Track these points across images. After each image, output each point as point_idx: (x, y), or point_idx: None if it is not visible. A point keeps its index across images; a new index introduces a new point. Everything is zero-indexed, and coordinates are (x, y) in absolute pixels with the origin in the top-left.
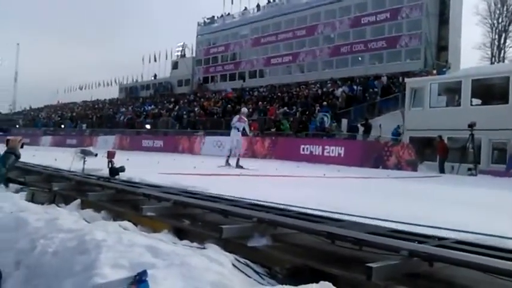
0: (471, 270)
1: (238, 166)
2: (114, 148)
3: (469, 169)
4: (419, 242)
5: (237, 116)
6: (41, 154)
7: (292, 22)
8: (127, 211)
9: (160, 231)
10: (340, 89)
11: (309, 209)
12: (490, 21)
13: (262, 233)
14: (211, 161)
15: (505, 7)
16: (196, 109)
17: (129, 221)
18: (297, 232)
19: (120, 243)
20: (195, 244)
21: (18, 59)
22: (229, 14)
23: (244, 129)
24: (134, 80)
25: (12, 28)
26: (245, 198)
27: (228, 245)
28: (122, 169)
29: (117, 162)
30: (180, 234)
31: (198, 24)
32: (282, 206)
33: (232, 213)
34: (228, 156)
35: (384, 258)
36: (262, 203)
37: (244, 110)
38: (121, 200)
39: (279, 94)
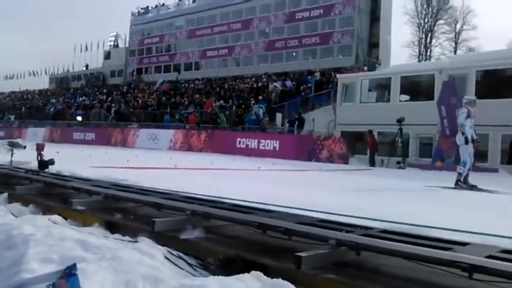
0: (396, 258)
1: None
2: (44, 140)
3: (398, 162)
4: (347, 232)
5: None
6: None
7: (228, 15)
8: (56, 205)
9: (91, 225)
10: (274, 84)
11: (241, 200)
12: (417, 20)
13: (195, 226)
14: (145, 154)
15: (430, 8)
16: (130, 101)
17: (59, 215)
18: (230, 224)
19: (49, 237)
20: (126, 238)
21: None
22: (164, 4)
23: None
24: (65, 70)
25: None
26: (179, 192)
27: (160, 238)
28: (52, 162)
29: (47, 155)
30: (112, 228)
31: (132, 14)
32: (214, 198)
33: (165, 206)
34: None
35: (313, 247)
36: (195, 195)
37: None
38: (50, 194)
39: (215, 87)
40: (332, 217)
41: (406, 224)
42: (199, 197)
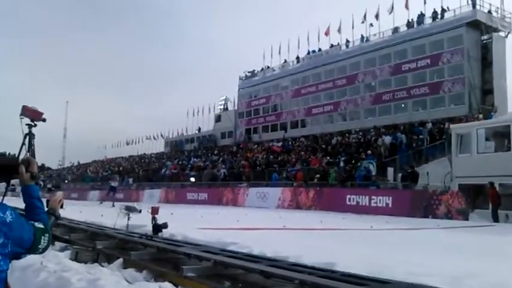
0: None
1: None
2: (160, 201)
3: None
4: None
5: None
6: (87, 209)
7: (332, 72)
8: (168, 271)
9: None
10: (384, 138)
11: (352, 272)
12: None
13: None
14: (255, 213)
15: None
16: (239, 160)
17: (169, 281)
18: None
19: None
20: None
21: (67, 115)
22: (269, 67)
23: None
24: (179, 134)
25: (61, 86)
26: (288, 257)
27: None
28: (165, 225)
29: (161, 217)
30: None
31: (240, 78)
32: (323, 266)
33: (273, 275)
34: None
35: None
36: (303, 263)
37: None
38: (162, 259)
39: (321, 144)
40: None
41: None
42: (307, 264)
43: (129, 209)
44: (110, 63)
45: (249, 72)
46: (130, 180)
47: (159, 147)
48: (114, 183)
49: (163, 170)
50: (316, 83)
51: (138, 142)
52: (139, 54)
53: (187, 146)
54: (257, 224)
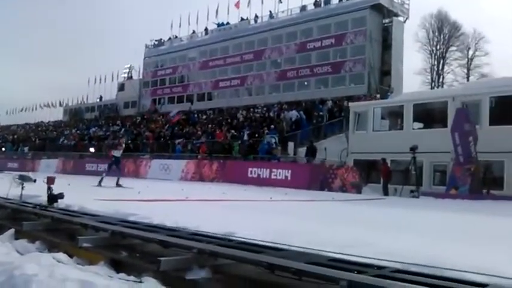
0: None
1: None
2: (57, 172)
3: (412, 191)
4: (359, 272)
5: None
6: None
7: (240, 46)
8: (63, 242)
9: (97, 264)
10: (287, 113)
11: (248, 239)
12: (429, 47)
13: (202, 265)
14: (157, 185)
15: (442, 35)
16: (142, 132)
17: (64, 252)
18: (238, 263)
19: (52, 277)
20: (131, 278)
21: None
22: (177, 36)
23: None
24: (79, 102)
25: None
26: (187, 227)
27: (166, 278)
28: (61, 196)
29: (58, 187)
30: (117, 266)
31: (146, 47)
32: (222, 235)
33: (172, 244)
34: None
35: None
36: (203, 232)
37: None
38: (57, 230)
39: (227, 117)
40: (344, 255)
41: (419, 265)
42: (208, 233)
43: (23, 178)
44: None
45: (156, 40)
46: (26, 149)
47: (57, 115)
48: None
49: (61, 139)
50: (224, 57)
51: (35, 109)
52: (39, 15)
53: (88, 114)
54: (159, 196)
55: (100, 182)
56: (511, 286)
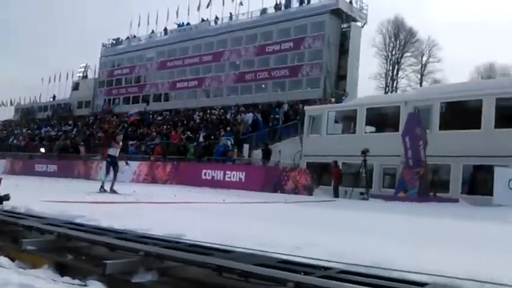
0: None
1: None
2: (5, 173)
3: (362, 193)
4: (306, 273)
5: None
6: None
7: (199, 47)
8: (6, 245)
9: (41, 267)
10: (244, 115)
11: (196, 241)
12: (385, 53)
13: (149, 268)
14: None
15: (398, 41)
16: (96, 132)
17: (6, 255)
18: (185, 265)
19: None
20: (76, 281)
21: None
22: (135, 36)
23: None
24: (32, 101)
25: None
26: (136, 230)
27: (112, 281)
28: (7, 197)
29: (4, 188)
30: (62, 270)
31: (103, 45)
32: (170, 238)
33: (119, 247)
34: None
35: None
36: (151, 234)
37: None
38: (1, 233)
39: (183, 118)
40: (293, 257)
41: (366, 266)
42: (156, 236)
43: None
44: None
45: (113, 39)
46: None
47: (8, 114)
48: None
49: (10, 139)
50: (182, 57)
51: None
52: None
53: (40, 114)
54: (108, 198)
55: (102, 187)
56: (449, 284)
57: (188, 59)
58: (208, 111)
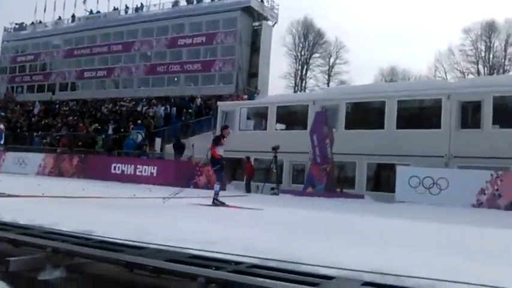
0: None
1: None
2: None
3: (272, 188)
4: (216, 268)
5: None
6: None
7: (109, 36)
8: None
9: None
10: (156, 108)
11: (109, 238)
12: (294, 53)
13: (56, 264)
14: (10, 180)
15: (307, 42)
16: None
17: None
18: (95, 262)
19: None
20: None
21: None
22: (41, 22)
23: None
24: None
25: None
26: (42, 225)
27: (16, 279)
28: None
29: None
30: None
31: (5, 30)
32: (80, 234)
33: (24, 243)
34: None
35: (182, 285)
36: (59, 230)
37: None
38: None
39: (91, 109)
40: (205, 252)
41: (277, 260)
42: (64, 232)
43: None
44: None
45: (16, 24)
46: None
47: None
48: None
49: None
50: (90, 46)
51: None
52: None
53: None
54: (12, 191)
55: (217, 199)
56: (354, 277)
57: (97, 48)
58: (118, 102)
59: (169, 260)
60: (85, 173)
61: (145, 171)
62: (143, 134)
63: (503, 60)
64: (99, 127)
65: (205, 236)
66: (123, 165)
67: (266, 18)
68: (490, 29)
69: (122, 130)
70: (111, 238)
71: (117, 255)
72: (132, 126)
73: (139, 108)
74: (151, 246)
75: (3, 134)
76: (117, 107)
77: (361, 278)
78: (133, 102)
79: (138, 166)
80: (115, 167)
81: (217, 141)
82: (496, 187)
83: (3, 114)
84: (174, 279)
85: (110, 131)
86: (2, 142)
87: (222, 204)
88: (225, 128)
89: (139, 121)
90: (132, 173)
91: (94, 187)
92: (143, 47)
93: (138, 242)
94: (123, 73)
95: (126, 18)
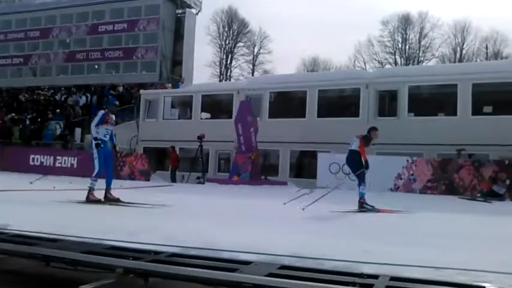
0: (184, 282)
1: None
2: None
3: (198, 177)
4: (135, 258)
5: None
6: None
7: (25, 22)
8: None
9: None
10: (75, 97)
11: (24, 231)
12: (219, 41)
13: None
14: None
15: (231, 30)
16: None
17: None
18: (10, 257)
19: None
20: None
21: None
22: None
23: None
24: None
25: None
26: None
27: None
28: None
29: None
30: None
31: None
32: None
33: None
34: None
35: (100, 277)
36: None
37: None
38: None
39: (7, 98)
40: (124, 243)
41: (198, 248)
42: None
43: None
44: None
45: None
46: None
47: None
48: None
49: None
50: (5, 31)
51: None
52: None
53: None
54: None
55: (365, 203)
56: (275, 261)
57: (12, 34)
58: (36, 91)
59: (86, 251)
60: (1, 164)
61: (65, 163)
62: (61, 124)
63: (418, 52)
64: (16, 117)
65: (126, 227)
66: (42, 156)
67: (190, 6)
68: (405, 21)
69: (40, 120)
70: (27, 231)
71: (32, 249)
72: (50, 115)
73: (58, 97)
74: (68, 239)
75: None
76: (35, 96)
77: (281, 263)
78: (52, 91)
79: (58, 157)
80: (34, 158)
81: (368, 142)
82: (411, 172)
83: None
84: (92, 271)
85: (28, 122)
86: None
87: (373, 208)
88: (374, 129)
89: (58, 110)
90: (51, 164)
91: (11, 180)
92: (62, 33)
93: (54, 234)
94: (41, 60)
95: (44, 3)
